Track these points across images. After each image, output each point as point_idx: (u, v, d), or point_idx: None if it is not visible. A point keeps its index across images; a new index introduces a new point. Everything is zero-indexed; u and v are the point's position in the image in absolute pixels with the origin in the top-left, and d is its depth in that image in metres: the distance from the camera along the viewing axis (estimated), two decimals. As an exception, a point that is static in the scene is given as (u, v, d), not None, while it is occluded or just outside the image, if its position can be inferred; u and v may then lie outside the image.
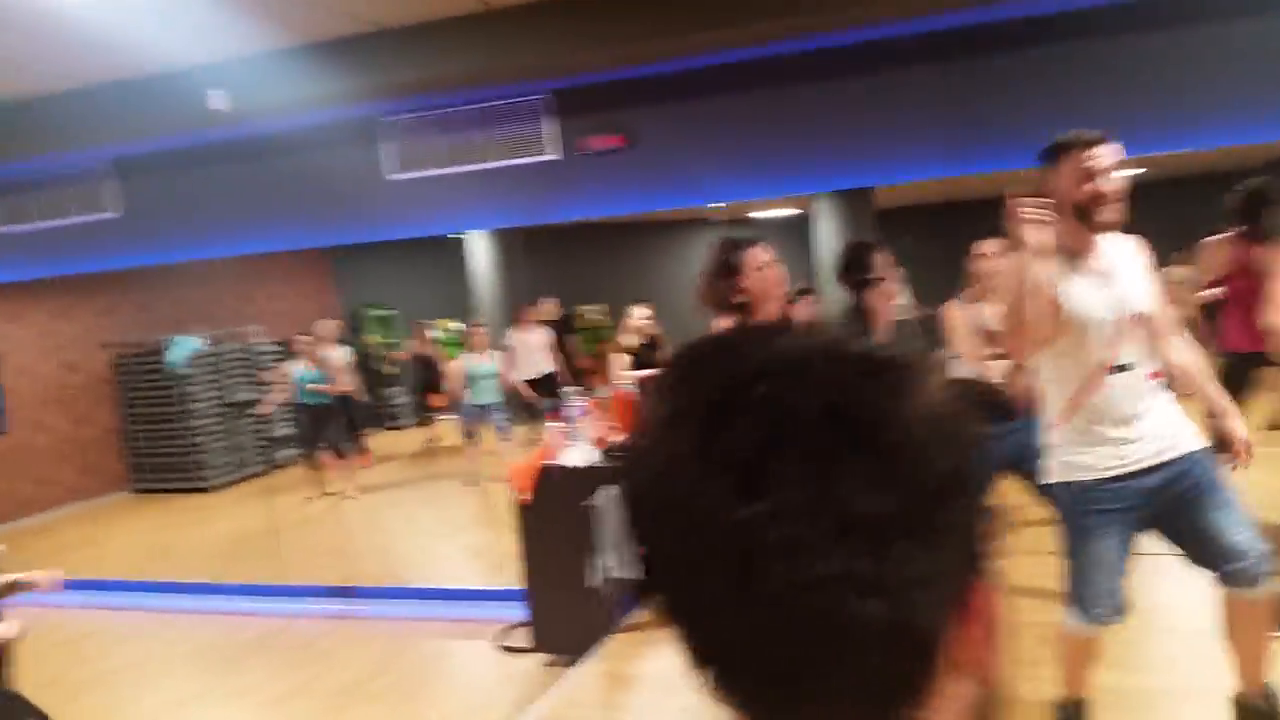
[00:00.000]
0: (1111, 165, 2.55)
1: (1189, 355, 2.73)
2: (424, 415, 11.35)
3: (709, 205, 7.82)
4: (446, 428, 10.01)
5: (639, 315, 6.54)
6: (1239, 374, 4.42)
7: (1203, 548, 2.58)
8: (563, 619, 4.44)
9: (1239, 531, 2.53)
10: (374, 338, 12.96)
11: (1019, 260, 2.53)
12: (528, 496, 4.48)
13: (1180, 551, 2.65)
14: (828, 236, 10.19)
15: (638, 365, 6.20)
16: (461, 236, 10.73)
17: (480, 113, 5.41)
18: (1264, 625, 2.61)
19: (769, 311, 3.12)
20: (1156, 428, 2.60)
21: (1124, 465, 2.57)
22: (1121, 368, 2.58)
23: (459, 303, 11.21)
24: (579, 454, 4.57)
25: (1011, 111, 4.72)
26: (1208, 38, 4.48)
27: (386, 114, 5.57)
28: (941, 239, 8.53)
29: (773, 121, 5.09)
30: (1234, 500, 2.57)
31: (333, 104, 5.27)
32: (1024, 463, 3.47)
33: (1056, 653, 2.81)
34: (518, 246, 10.84)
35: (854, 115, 5.01)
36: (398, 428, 12.46)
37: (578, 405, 4.78)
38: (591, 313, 13.13)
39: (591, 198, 5.23)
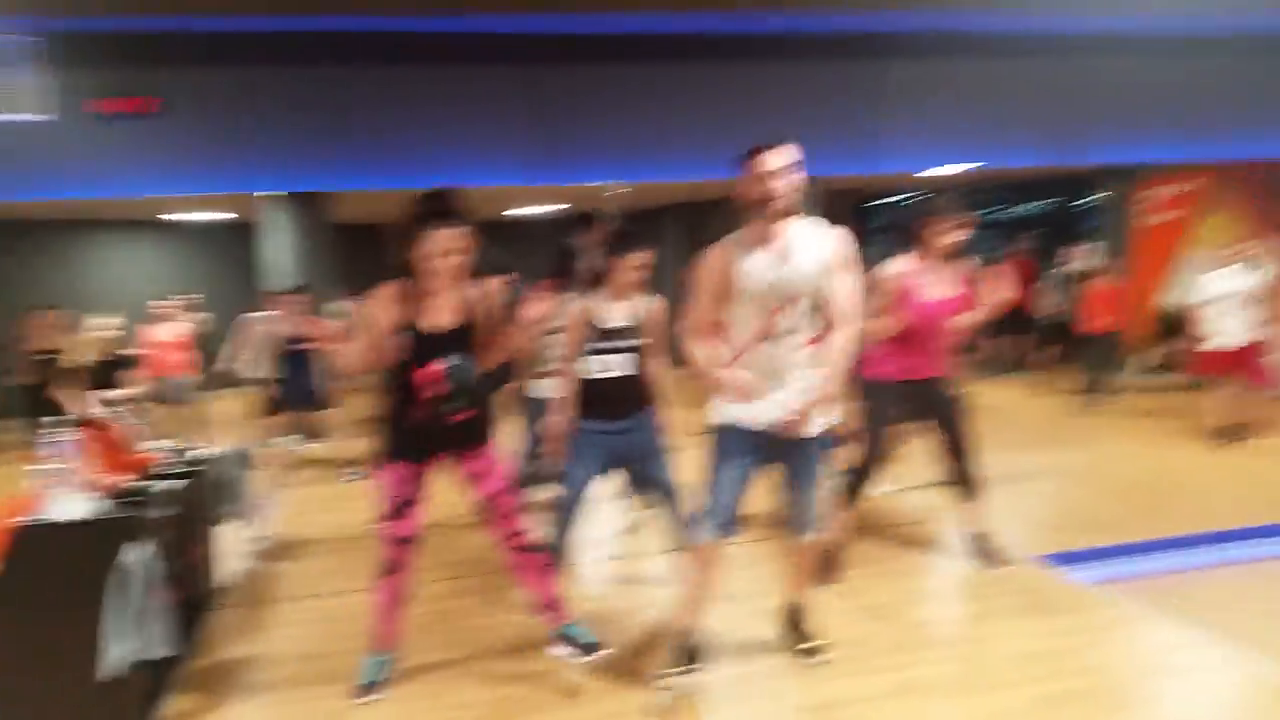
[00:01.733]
0: (778, 168, 3.08)
1: (838, 342, 3.21)
2: None
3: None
4: None
5: (99, 327, 5.29)
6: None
7: (789, 504, 3.44)
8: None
9: (809, 504, 3.40)
10: None
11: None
12: (-3, 566, 3.29)
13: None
14: (280, 243, 9.42)
15: (98, 386, 5.00)
16: None
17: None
18: (802, 561, 3.61)
19: None
20: (790, 399, 3.20)
21: (754, 419, 3.24)
22: (779, 335, 3.17)
23: None
24: (72, 504, 3.49)
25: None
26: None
27: None
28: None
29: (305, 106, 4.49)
30: (814, 480, 3.39)
31: None
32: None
33: (683, 577, 3.47)
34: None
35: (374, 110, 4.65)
36: None
37: (64, 441, 3.65)
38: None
39: (99, 173, 4.07)
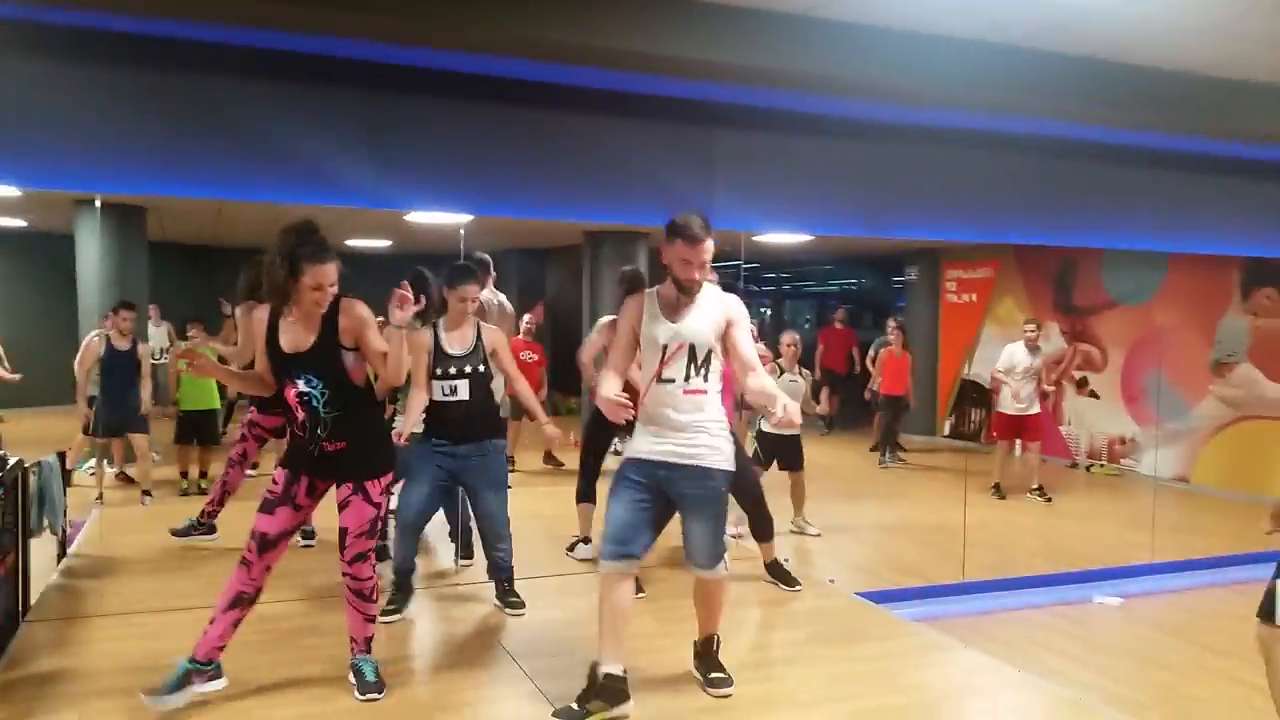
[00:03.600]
0: (707, 259, 3.40)
1: (761, 380, 3.45)
2: None
3: None
4: None
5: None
6: None
7: (686, 541, 3.59)
8: None
9: (703, 541, 3.53)
10: None
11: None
12: None
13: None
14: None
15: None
16: None
17: None
18: (713, 596, 3.70)
19: None
20: (688, 439, 3.43)
21: (649, 455, 3.45)
22: (668, 380, 3.43)
23: None
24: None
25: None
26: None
27: None
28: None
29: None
30: (712, 516, 3.51)
31: None
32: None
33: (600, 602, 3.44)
34: None
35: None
36: None
37: None
38: None
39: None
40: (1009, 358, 8.75)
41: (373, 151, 4.93)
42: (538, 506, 6.68)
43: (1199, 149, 6.49)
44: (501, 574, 4.62)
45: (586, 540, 5.43)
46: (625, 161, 5.62)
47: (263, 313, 3.44)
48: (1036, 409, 8.69)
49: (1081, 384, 10.51)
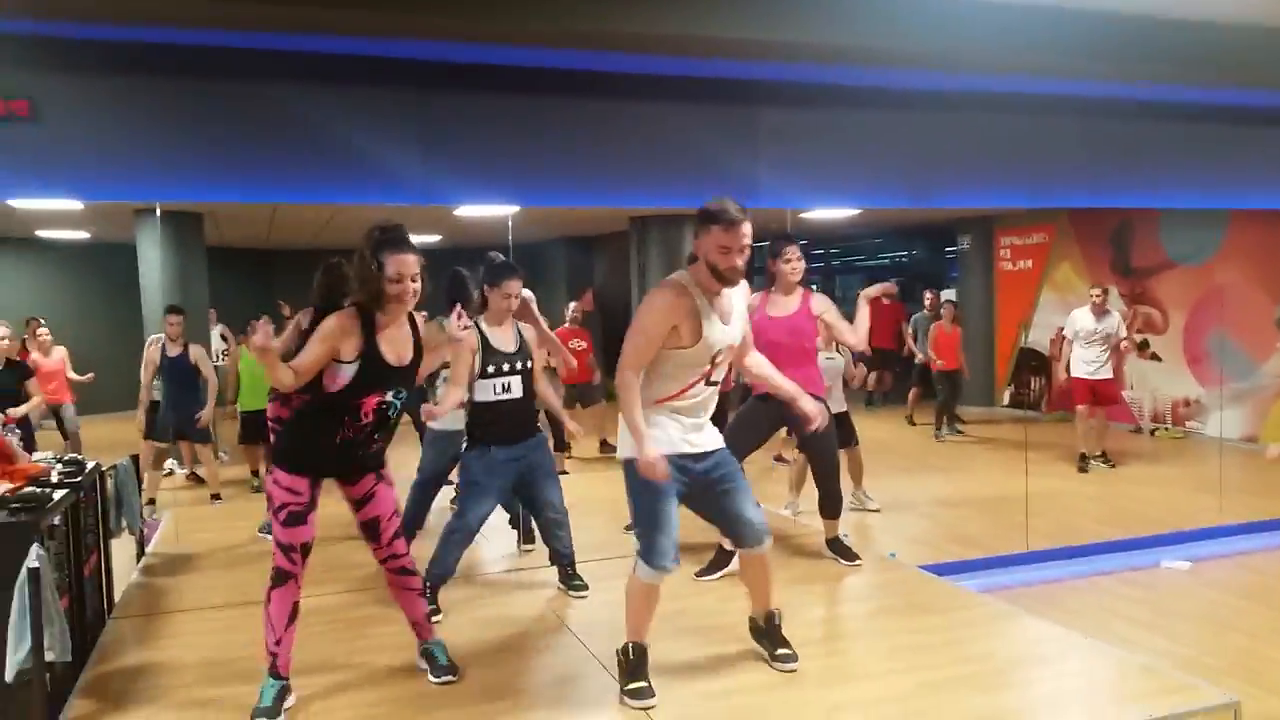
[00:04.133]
0: (748, 244, 3.22)
1: (765, 365, 3.65)
2: None
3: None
4: None
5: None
6: None
7: (726, 521, 3.56)
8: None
9: (756, 514, 3.51)
10: None
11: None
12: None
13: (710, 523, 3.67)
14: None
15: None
16: None
17: None
18: (766, 570, 3.66)
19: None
20: (709, 429, 3.48)
21: (691, 448, 3.37)
22: (712, 383, 3.41)
23: None
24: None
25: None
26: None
27: None
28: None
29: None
30: (744, 486, 3.52)
31: None
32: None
33: (628, 603, 3.45)
34: None
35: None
36: None
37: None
38: None
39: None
40: (1073, 323, 8.61)
41: (421, 148, 5.02)
42: (594, 491, 6.77)
43: (1255, 102, 6.33)
44: (563, 560, 4.70)
45: None
46: (668, 144, 5.64)
47: (307, 317, 3.46)
48: (1108, 374, 8.54)
49: (1143, 347, 10.31)
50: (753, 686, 3.54)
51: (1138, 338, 10.47)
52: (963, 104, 6.03)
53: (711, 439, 3.48)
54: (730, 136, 5.67)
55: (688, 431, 3.39)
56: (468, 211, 7.31)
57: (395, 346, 3.38)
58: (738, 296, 3.44)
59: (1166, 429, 10.34)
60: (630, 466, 3.33)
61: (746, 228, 3.21)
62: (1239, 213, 9.29)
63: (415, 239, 3.38)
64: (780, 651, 3.67)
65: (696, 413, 3.42)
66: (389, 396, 3.39)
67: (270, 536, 3.50)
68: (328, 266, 4.73)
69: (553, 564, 4.78)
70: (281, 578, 3.36)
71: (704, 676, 3.58)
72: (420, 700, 3.47)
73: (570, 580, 4.69)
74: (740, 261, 3.22)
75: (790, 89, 5.65)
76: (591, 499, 6.26)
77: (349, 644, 4.02)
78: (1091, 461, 8.50)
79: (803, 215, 9.73)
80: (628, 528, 5.61)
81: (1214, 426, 9.56)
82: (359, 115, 4.89)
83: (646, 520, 3.35)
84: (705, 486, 3.46)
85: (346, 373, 3.29)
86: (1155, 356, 9.91)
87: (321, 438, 3.36)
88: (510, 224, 6.70)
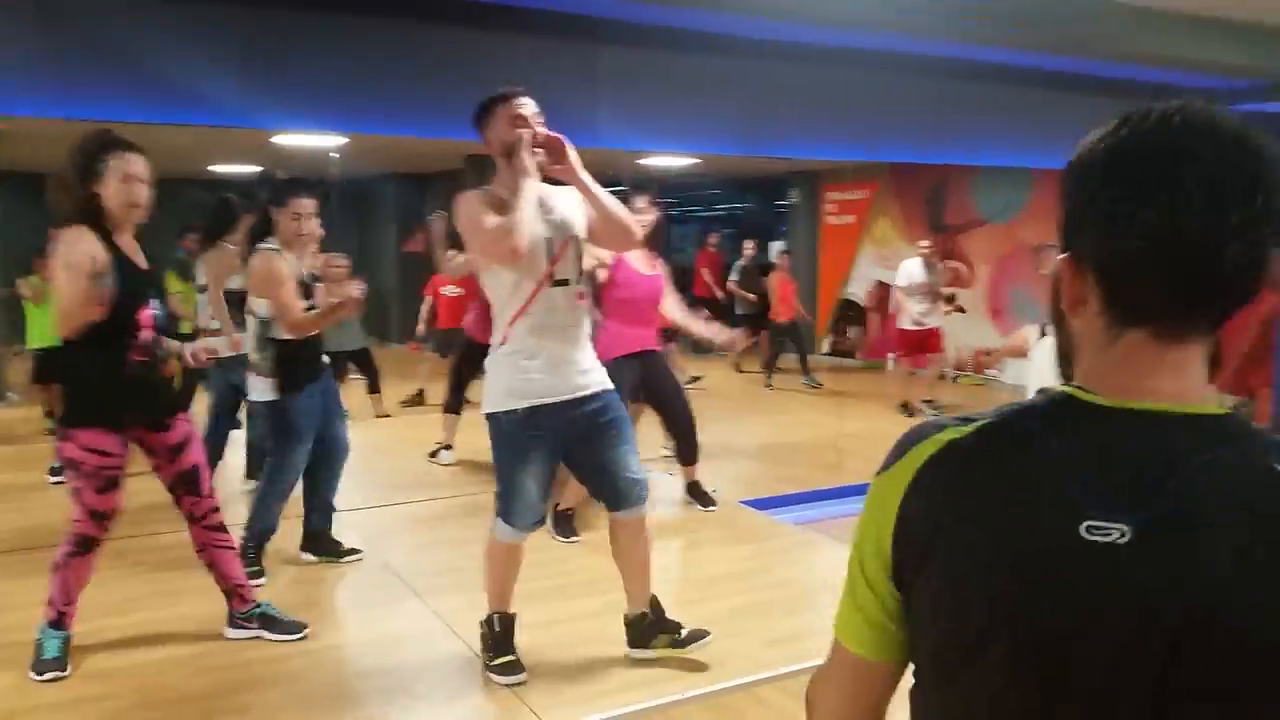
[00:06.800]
0: (532, 112, 2.92)
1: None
2: None
3: None
4: None
5: None
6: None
7: (604, 478, 3.09)
8: None
9: (634, 465, 3.10)
10: None
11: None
12: None
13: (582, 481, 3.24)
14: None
15: None
16: None
17: None
18: (644, 542, 3.21)
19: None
20: (591, 367, 3.01)
21: (556, 395, 2.93)
22: (561, 282, 2.94)
23: None
24: None
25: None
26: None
27: None
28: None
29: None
30: (630, 437, 3.11)
31: None
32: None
33: (488, 568, 3.14)
34: None
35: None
36: None
37: None
38: None
39: None
40: (907, 274, 8.86)
41: (241, 68, 4.75)
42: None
43: (1065, 67, 6.73)
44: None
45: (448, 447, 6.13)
46: (507, 78, 5.53)
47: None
48: (936, 323, 8.95)
49: (949, 300, 10.95)
50: (578, 614, 3.61)
51: (945, 291, 11.11)
52: (800, 55, 6.18)
53: (595, 379, 3.05)
54: (570, 74, 5.63)
55: (560, 371, 2.95)
56: (289, 140, 6.98)
57: (136, 255, 3.13)
58: (563, 191, 3.06)
59: (968, 376, 11.06)
60: (493, 419, 2.99)
61: (526, 98, 2.95)
62: (1043, 173, 9.92)
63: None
64: (688, 632, 3.29)
65: (564, 335, 2.96)
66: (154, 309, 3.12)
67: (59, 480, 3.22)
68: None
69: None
70: (87, 545, 3.10)
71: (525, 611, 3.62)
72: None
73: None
74: (530, 130, 2.90)
75: (632, 29, 5.64)
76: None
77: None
78: (922, 406, 8.83)
79: (641, 162, 9.79)
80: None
81: (1010, 374, 10.28)
82: (171, 28, 4.58)
83: (508, 477, 3.01)
84: (586, 437, 3.04)
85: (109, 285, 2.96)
86: (960, 309, 10.50)
87: (111, 371, 3.04)
88: (335, 155, 6.46)
